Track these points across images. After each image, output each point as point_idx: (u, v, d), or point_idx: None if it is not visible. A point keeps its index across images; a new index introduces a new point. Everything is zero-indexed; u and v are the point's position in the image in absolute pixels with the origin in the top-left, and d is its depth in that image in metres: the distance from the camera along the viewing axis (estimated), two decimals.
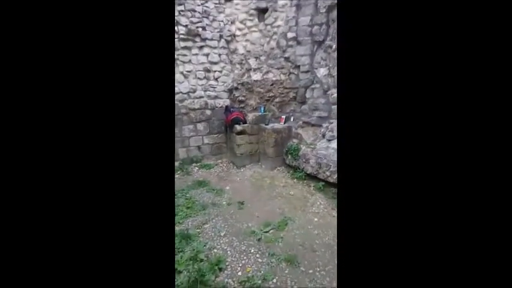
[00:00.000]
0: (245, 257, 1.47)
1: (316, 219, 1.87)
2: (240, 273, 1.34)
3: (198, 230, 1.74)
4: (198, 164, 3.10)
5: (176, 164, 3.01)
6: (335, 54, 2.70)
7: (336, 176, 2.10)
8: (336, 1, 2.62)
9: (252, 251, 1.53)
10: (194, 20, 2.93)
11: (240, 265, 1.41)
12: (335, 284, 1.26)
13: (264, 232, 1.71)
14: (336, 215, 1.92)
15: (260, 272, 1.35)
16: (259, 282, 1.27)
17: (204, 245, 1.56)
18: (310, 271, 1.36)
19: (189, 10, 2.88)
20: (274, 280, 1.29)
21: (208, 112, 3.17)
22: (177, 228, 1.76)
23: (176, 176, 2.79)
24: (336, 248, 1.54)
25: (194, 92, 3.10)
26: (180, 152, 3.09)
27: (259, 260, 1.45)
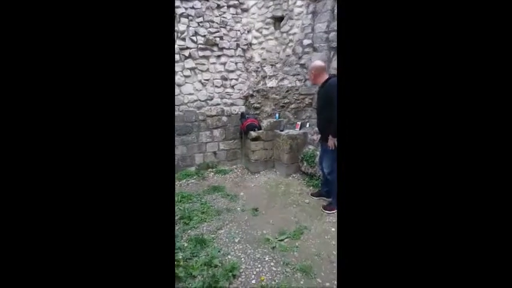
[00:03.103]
0: (259, 265, 1.45)
1: (333, 229, 1.80)
2: (254, 281, 1.32)
3: (213, 236, 1.75)
4: (214, 170, 3.14)
5: (193, 169, 3.08)
6: None
7: None
8: None
9: (267, 259, 1.50)
10: (212, 30, 3.04)
11: (254, 273, 1.38)
12: None
13: (279, 240, 1.68)
14: None
15: (274, 281, 1.32)
16: None
17: (219, 251, 1.56)
18: (327, 284, 1.30)
19: (207, 21, 3.01)
20: None
21: (224, 119, 3.23)
22: (192, 232, 1.78)
23: (192, 180, 2.85)
24: None
25: (211, 99, 3.19)
26: (197, 158, 3.16)
27: (274, 268, 1.42)
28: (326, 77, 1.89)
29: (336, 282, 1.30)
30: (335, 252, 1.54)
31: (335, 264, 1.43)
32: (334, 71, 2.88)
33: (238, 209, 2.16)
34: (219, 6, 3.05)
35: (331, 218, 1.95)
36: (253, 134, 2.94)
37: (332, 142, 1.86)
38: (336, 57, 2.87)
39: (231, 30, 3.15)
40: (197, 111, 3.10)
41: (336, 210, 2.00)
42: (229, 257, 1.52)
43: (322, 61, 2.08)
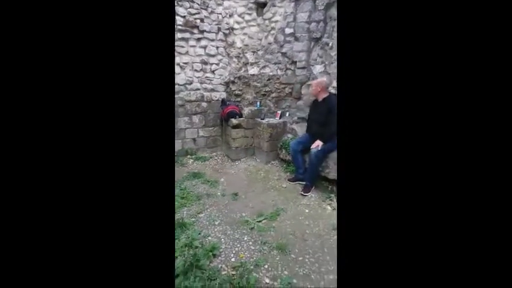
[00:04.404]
0: (238, 245, 1.53)
1: (307, 211, 1.95)
2: (233, 259, 1.40)
3: (193, 219, 1.79)
4: (193, 156, 3.12)
5: None
6: (332, 52, 2.74)
7: (327, 170, 2.18)
8: None
9: (245, 239, 1.59)
10: (192, 11, 2.90)
11: (234, 252, 1.47)
12: (323, 269, 1.34)
13: (257, 222, 1.77)
14: (326, 207, 2.00)
15: (252, 258, 1.41)
16: (252, 267, 1.33)
17: (199, 233, 1.61)
18: (300, 258, 1.43)
19: (187, 0, 2.86)
20: (266, 266, 1.36)
21: (204, 105, 3.18)
22: None
23: None
24: (325, 237, 1.62)
25: (190, 83, 3.10)
26: (175, 144, 3.10)
27: (252, 247, 1.51)
28: (327, 94, 2.24)
29: (308, 257, 1.44)
30: (308, 231, 1.68)
31: (308, 242, 1.57)
32: (313, 62, 2.97)
33: (219, 194, 2.21)
34: None
35: (305, 201, 2.10)
36: (234, 121, 2.95)
37: (317, 144, 2.14)
38: (315, 48, 2.95)
39: (212, 12, 3.03)
40: (175, 96, 3.00)
41: (310, 192, 2.19)
42: (210, 238, 1.58)
43: (328, 79, 2.33)
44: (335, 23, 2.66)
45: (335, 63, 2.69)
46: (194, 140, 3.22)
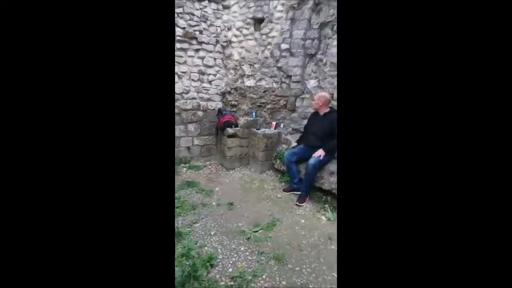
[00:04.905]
0: (235, 255, 1.52)
1: (303, 221, 1.97)
2: (230, 270, 1.39)
3: (189, 229, 1.76)
4: (187, 165, 3.10)
5: None
6: (325, 68, 2.88)
7: (322, 181, 2.23)
8: (327, 19, 2.82)
9: (242, 249, 1.58)
10: (192, 23, 2.99)
11: (231, 262, 1.45)
12: (320, 279, 1.36)
13: (254, 232, 1.77)
14: (320, 217, 2.03)
15: (250, 268, 1.41)
16: (250, 278, 1.32)
17: (195, 243, 1.59)
18: (297, 268, 1.44)
19: (187, 13, 2.94)
20: (264, 276, 1.35)
21: (200, 114, 3.21)
22: None
23: None
24: (321, 247, 1.64)
25: (187, 93, 3.13)
26: None
27: (249, 257, 1.51)
28: (328, 109, 2.32)
29: (305, 267, 1.45)
30: (304, 242, 1.70)
31: (304, 252, 1.59)
32: (307, 77, 3.10)
33: (214, 203, 2.20)
34: None
35: (300, 211, 2.12)
36: (230, 130, 2.98)
37: (319, 153, 2.18)
38: (310, 64, 3.09)
39: (211, 25, 3.13)
40: None
41: (305, 202, 2.22)
42: (206, 248, 1.56)
43: (329, 94, 2.44)
44: (329, 41, 2.83)
45: (328, 79, 2.82)
46: (188, 148, 3.21)
